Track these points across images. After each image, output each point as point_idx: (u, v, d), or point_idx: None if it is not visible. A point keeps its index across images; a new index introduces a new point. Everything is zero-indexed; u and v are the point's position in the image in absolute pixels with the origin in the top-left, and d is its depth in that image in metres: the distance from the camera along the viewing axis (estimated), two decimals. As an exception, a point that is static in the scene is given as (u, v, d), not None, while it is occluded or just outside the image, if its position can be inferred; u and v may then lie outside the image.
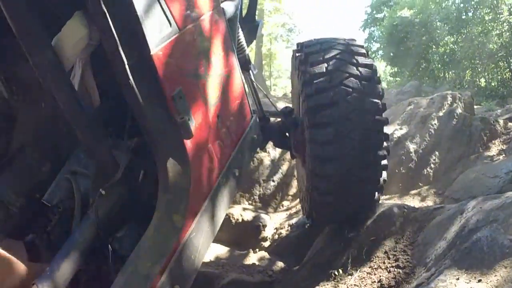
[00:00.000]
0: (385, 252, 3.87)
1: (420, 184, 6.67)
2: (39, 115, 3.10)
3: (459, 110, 7.42)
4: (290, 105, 5.02)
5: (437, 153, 6.92)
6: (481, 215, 3.32)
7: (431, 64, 24.68)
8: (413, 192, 6.51)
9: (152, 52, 2.29)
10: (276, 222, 6.35)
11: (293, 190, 7.43)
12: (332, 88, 3.73)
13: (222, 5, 3.44)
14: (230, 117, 3.32)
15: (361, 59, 3.88)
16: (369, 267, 3.81)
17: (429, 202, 6.04)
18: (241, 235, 6.07)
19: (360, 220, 4.33)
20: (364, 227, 4.19)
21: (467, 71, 22.87)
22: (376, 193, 4.15)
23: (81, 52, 2.52)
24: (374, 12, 33.56)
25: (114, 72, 2.27)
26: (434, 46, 24.73)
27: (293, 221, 6.12)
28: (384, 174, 4.11)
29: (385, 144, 3.88)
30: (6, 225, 2.83)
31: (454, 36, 23.71)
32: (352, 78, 3.76)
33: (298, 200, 6.83)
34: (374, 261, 3.85)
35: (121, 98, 2.40)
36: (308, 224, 5.65)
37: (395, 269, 3.63)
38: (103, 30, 2.18)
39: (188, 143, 2.56)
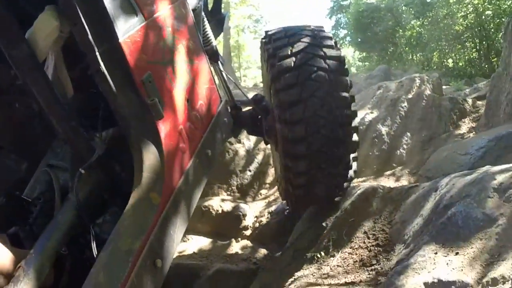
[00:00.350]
0: (365, 232, 3.97)
1: (394, 165, 6.79)
2: (14, 116, 3.22)
3: (427, 92, 7.55)
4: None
5: (408, 134, 7.04)
6: (454, 191, 3.41)
7: (399, 48, 24.96)
8: (387, 173, 6.63)
9: (120, 40, 2.43)
10: (255, 211, 6.41)
11: (269, 178, 7.48)
12: (301, 84, 3.74)
13: None
14: (199, 101, 3.42)
15: (329, 51, 3.89)
16: (350, 248, 3.90)
17: (403, 182, 6.16)
18: (222, 226, 6.12)
19: (336, 202, 4.44)
20: (342, 209, 4.29)
21: (434, 53, 23.12)
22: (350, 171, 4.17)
23: (53, 44, 2.63)
24: (340, -1, 33.76)
25: (85, 62, 2.40)
26: (400, 30, 24.98)
27: (272, 208, 6.19)
28: (354, 165, 4.22)
29: (354, 136, 3.93)
30: None
31: (420, 19, 23.97)
32: (320, 72, 3.76)
33: (275, 188, 6.91)
34: (355, 241, 3.94)
35: (94, 88, 2.55)
36: (287, 211, 5.73)
37: (375, 248, 3.73)
38: (73, 21, 2.32)
39: (160, 124, 2.67)
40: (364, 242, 3.88)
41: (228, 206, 6.32)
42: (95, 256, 2.36)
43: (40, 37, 2.54)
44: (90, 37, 2.31)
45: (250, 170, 7.33)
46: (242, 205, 6.43)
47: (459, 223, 3.05)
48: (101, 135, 2.81)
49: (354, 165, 4.21)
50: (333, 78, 3.77)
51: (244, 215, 6.22)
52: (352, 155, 4.00)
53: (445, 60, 23.32)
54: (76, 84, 2.97)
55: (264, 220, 6.04)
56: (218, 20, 4.92)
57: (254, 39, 39.69)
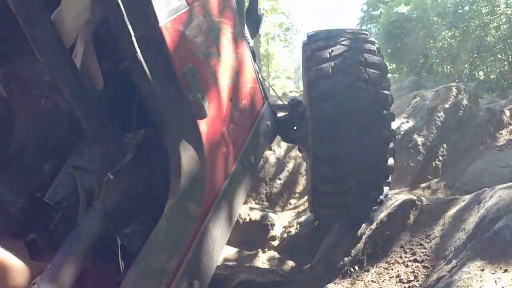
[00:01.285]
0: (401, 246, 3.80)
1: (430, 177, 6.58)
2: (39, 113, 2.90)
3: (464, 102, 7.34)
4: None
5: (444, 145, 6.83)
6: (501, 204, 3.23)
7: (429, 59, 24.66)
8: (423, 185, 6.42)
9: (161, 24, 2.18)
10: (284, 221, 6.26)
11: (299, 187, 7.35)
12: (335, 96, 3.44)
13: None
14: (243, 101, 3.18)
15: (370, 58, 3.57)
16: (386, 262, 3.74)
17: (439, 195, 5.95)
18: (249, 235, 5.97)
19: (370, 215, 4.22)
20: (378, 221, 4.10)
21: (465, 65, 22.84)
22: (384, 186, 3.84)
23: (83, 28, 2.31)
24: (370, 9, 33.58)
25: (119, 50, 2.16)
26: (431, 41, 24.71)
27: (302, 219, 6.02)
28: (386, 190, 3.94)
29: (390, 160, 3.62)
30: (6, 226, 2.63)
31: (452, 30, 23.65)
32: (359, 83, 3.43)
33: (305, 198, 6.76)
34: (391, 255, 3.78)
35: (126, 80, 2.27)
36: (317, 222, 5.56)
37: (413, 263, 3.56)
38: (107, 1, 2.07)
39: (202, 124, 2.42)
40: (401, 257, 3.71)
41: (256, 215, 6.17)
42: (122, 272, 2.19)
43: (68, 18, 2.22)
44: (126, 19, 2.04)
45: (280, 179, 7.21)
46: (271, 214, 6.28)
47: (507, 238, 2.87)
48: (133, 135, 2.50)
49: (386, 189, 3.93)
50: (373, 91, 3.44)
51: (273, 225, 6.07)
52: (385, 180, 3.71)
53: (476, 73, 23.00)
54: (108, 77, 2.61)
55: (293, 230, 5.87)
56: (255, 20, 4.70)
57: (284, 47, 39.66)
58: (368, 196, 3.70)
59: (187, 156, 2.33)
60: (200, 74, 2.42)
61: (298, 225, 5.92)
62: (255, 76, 3.49)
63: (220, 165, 2.69)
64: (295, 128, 4.38)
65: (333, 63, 3.53)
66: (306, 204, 6.51)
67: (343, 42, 3.66)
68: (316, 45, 3.76)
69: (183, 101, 2.30)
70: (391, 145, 3.55)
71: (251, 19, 4.55)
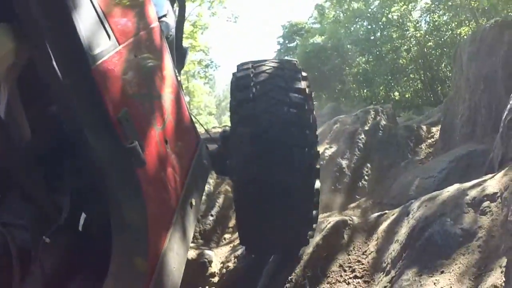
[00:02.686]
0: (340, 266, 3.86)
1: (358, 197, 6.73)
2: None
3: (383, 122, 7.61)
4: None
5: (368, 165, 7.02)
6: (428, 212, 3.36)
7: (346, 85, 25.47)
8: (352, 205, 6.55)
9: (92, 67, 1.95)
10: (221, 256, 6.18)
11: (232, 222, 7.30)
12: (257, 117, 3.39)
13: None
14: (179, 141, 2.99)
15: (294, 84, 3.56)
16: (328, 283, 3.78)
17: (369, 213, 6.09)
18: (188, 275, 5.83)
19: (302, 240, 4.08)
20: (314, 245, 4.14)
21: (381, 87, 23.72)
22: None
23: (7, 73, 2.12)
24: (287, 41, 34.42)
25: (47, 96, 2.04)
26: (347, 68, 25.58)
27: (239, 252, 5.97)
28: (315, 213, 3.77)
29: (316, 183, 3.53)
30: None
31: (365, 56, 24.60)
32: (281, 106, 3.41)
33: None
34: (331, 276, 3.82)
35: (56, 129, 2.16)
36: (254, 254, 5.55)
37: (354, 280, 3.62)
38: (34, 42, 1.86)
39: (140, 173, 2.18)
40: (341, 276, 3.76)
41: (192, 254, 6.07)
42: None
43: None
44: (54, 63, 1.82)
45: (212, 215, 7.15)
46: (207, 251, 6.20)
47: (438, 242, 3.00)
48: (67, 187, 2.27)
49: (315, 213, 3.78)
50: (294, 112, 3.39)
51: (210, 262, 5.98)
52: (312, 203, 3.59)
53: (391, 94, 23.93)
54: (34, 124, 2.41)
55: (231, 265, 5.81)
56: (180, 54, 4.58)
57: (204, 84, 39.77)
58: (296, 221, 3.56)
59: (128, 207, 2.14)
60: (134, 118, 2.22)
61: (235, 259, 5.87)
62: (187, 113, 3.35)
63: (162, 212, 2.52)
64: (227, 160, 4.10)
65: (255, 88, 3.50)
66: (240, 238, 6.51)
67: (267, 70, 3.64)
68: (242, 73, 3.72)
69: (119, 150, 2.07)
70: (316, 166, 3.49)
71: (176, 53, 4.48)
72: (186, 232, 2.78)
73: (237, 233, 6.81)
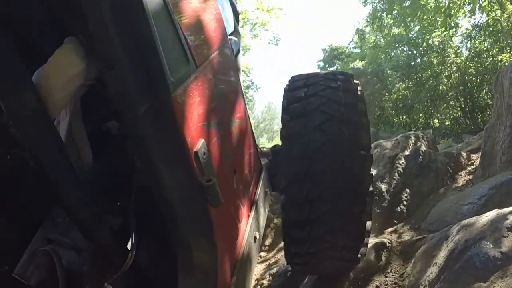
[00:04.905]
0: (377, 287, 3.87)
1: (396, 222, 6.70)
2: (4, 170, 2.34)
3: (423, 148, 7.56)
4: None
5: (408, 190, 6.98)
6: (468, 235, 3.36)
7: (386, 111, 25.35)
8: (389, 230, 6.51)
9: (172, 94, 1.75)
10: (256, 274, 6.23)
11: (269, 240, 7.35)
12: (307, 135, 3.14)
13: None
14: (245, 170, 2.81)
15: (347, 97, 3.30)
16: (364, 304, 3.80)
17: (406, 237, 6.06)
18: (224, 291, 5.92)
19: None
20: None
21: (420, 114, 23.54)
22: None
23: (73, 94, 1.93)
24: (327, 65, 34.42)
25: (114, 120, 1.92)
26: (387, 94, 25.45)
27: (274, 270, 6.02)
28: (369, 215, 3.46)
29: (369, 204, 3.28)
30: None
31: (405, 82, 24.48)
32: (332, 121, 3.14)
33: (275, 250, 6.78)
34: (368, 297, 3.84)
35: (121, 154, 2.04)
36: (289, 272, 5.58)
37: (390, 301, 3.63)
38: (108, 63, 1.61)
39: (212, 210, 2.00)
40: (377, 298, 3.78)
41: (229, 271, 6.14)
42: None
43: (56, 83, 1.81)
44: (131, 88, 1.63)
45: (249, 233, 7.19)
46: (243, 269, 6.26)
47: (477, 265, 3.00)
48: (132, 224, 2.09)
49: (366, 240, 3.61)
50: (348, 131, 3.14)
51: (246, 280, 6.04)
52: (366, 225, 3.38)
53: (431, 121, 23.72)
54: (96, 148, 2.26)
55: (266, 283, 5.86)
56: None
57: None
58: (347, 244, 3.33)
59: (198, 249, 1.99)
60: (211, 151, 2.04)
61: (270, 277, 5.93)
62: (252, 138, 3.17)
63: (230, 251, 2.34)
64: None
65: (306, 101, 3.28)
66: (277, 256, 6.53)
67: (320, 82, 3.39)
68: (293, 85, 3.52)
69: (195, 187, 1.88)
70: (370, 188, 3.28)
71: None
72: (250, 268, 2.65)
73: (272, 251, 6.89)
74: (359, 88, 3.46)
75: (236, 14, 4.20)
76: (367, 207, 3.21)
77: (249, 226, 2.71)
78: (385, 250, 4.22)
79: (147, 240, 2.29)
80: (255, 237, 2.81)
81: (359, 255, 3.52)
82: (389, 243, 4.32)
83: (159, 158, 1.74)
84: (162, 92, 1.72)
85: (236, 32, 3.80)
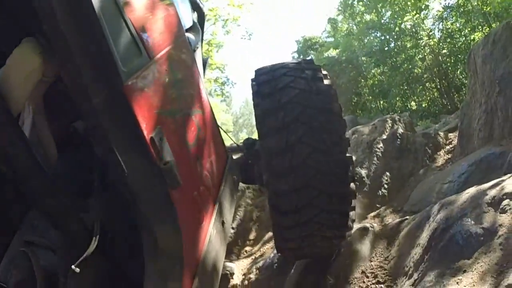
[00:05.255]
0: (363, 272, 3.87)
1: (378, 206, 6.70)
2: None
3: (400, 130, 7.57)
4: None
5: (387, 173, 6.99)
6: (449, 214, 3.35)
7: (363, 97, 25.41)
8: (372, 214, 6.51)
9: (124, 84, 1.85)
10: (242, 268, 6.20)
11: (253, 234, 7.32)
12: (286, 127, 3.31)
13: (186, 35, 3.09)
14: (209, 157, 2.88)
15: (319, 84, 3.50)
16: (350, 289, 3.78)
17: (390, 220, 6.06)
18: None
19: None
20: (336, 252, 4.16)
21: (397, 98, 23.62)
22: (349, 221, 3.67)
23: (33, 91, 2.01)
24: (301, 56, 34.45)
25: (72, 112, 1.95)
26: (363, 80, 25.50)
27: (260, 264, 5.99)
28: (352, 214, 3.69)
29: (351, 186, 3.47)
30: None
31: (380, 67, 24.54)
32: (309, 110, 3.33)
33: (260, 244, 6.75)
34: (354, 283, 3.84)
35: (84, 147, 2.05)
36: (276, 264, 5.55)
37: (376, 285, 3.63)
38: (63, 59, 1.71)
39: (174, 193, 2.06)
40: (363, 282, 3.78)
41: (214, 267, 6.10)
42: None
43: (15, 81, 1.92)
44: (85, 80, 1.71)
45: (232, 228, 7.16)
46: (228, 263, 6.22)
47: (460, 243, 3.00)
48: (96, 210, 2.16)
49: (352, 214, 3.71)
50: (324, 118, 3.34)
51: (232, 274, 6.00)
52: (349, 205, 3.54)
53: (408, 104, 23.84)
54: (60, 143, 2.32)
55: (253, 276, 5.83)
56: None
57: (222, 102, 39.84)
58: (333, 224, 3.52)
59: (162, 231, 2.03)
60: (168, 136, 2.10)
61: (257, 271, 5.90)
62: (217, 127, 3.27)
63: (196, 234, 2.41)
64: (251, 168, 4.11)
65: (279, 95, 3.42)
66: (262, 250, 6.52)
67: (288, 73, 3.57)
68: (260, 79, 3.67)
69: (153, 171, 1.97)
70: (350, 169, 3.43)
71: None
72: (218, 253, 2.71)
73: (257, 245, 6.86)
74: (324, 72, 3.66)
75: (200, 13, 4.38)
76: (350, 186, 3.43)
77: (216, 211, 2.78)
78: (368, 235, 4.19)
79: (122, 232, 2.32)
80: (223, 222, 2.88)
81: (346, 232, 3.71)
82: (371, 227, 4.29)
83: (117, 145, 1.81)
84: (114, 81, 1.82)
85: (194, 28, 3.87)
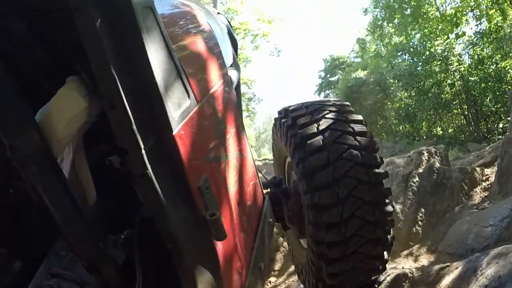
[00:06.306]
0: (401, 323, 3.65)
1: (411, 244, 6.49)
2: (6, 203, 2.38)
3: (437, 164, 7.36)
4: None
5: (422, 210, 6.78)
6: (501, 270, 3.15)
7: (388, 120, 25.23)
8: (404, 252, 6.31)
9: (174, 132, 1.77)
10: (267, 301, 6.04)
11: (278, 265, 7.15)
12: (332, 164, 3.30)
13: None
14: (248, 202, 2.80)
15: (350, 116, 3.58)
16: None
17: (423, 261, 5.84)
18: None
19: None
20: (372, 298, 3.96)
21: (423, 123, 23.40)
22: (386, 253, 3.65)
23: (77, 133, 1.94)
24: (328, 75, 34.48)
25: (118, 158, 1.88)
26: (389, 103, 25.35)
27: (285, 296, 5.84)
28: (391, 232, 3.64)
29: (389, 215, 3.45)
30: None
31: (408, 91, 24.36)
32: (351, 151, 3.34)
33: (285, 275, 6.57)
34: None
35: (124, 188, 1.97)
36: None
37: None
38: (109, 102, 1.60)
39: (218, 244, 2.00)
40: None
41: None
42: None
43: (59, 123, 1.82)
44: (134, 127, 1.60)
45: (258, 257, 7.00)
46: (253, 295, 6.04)
47: (514, 306, 2.78)
48: (136, 259, 2.08)
49: (391, 231, 3.65)
50: (365, 155, 3.34)
51: (256, 307, 5.82)
52: (389, 236, 3.53)
53: (434, 129, 23.61)
54: (98, 184, 2.20)
55: (277, 309, 5.67)
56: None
57: (246, 117, 39.86)
58: (376, 254, 3.49)
59: (203, 283, 1.92)
60: (213, 185, 2.04)
61: (282, 304, 5.73)
62: (255, 170, 3.20)
63: (236, 283, 2.31)
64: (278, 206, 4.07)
65: (322, 136, 3.42)
66: (287, 282, 6.36)
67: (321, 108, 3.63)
68: (295, 113, 3.70)
69: (199, 222, 1.90)
70: (388, 202, 3.44)
71: None
72: None
73: (282, 276, 6.68)
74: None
75: (235, 45, 4.24)
76: (389, 218, 3.41)
77: (254, 257, 2.70)
78: (407, 281, 3.98)
79: (153, 274, 2.24)
80: (260, 268, 2.79)
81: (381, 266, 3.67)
82: (410, 273, 4.07)
83: (163, 194, 1.69)
84: (164, 129, 1.75)
85: (235, 65, 3.75)
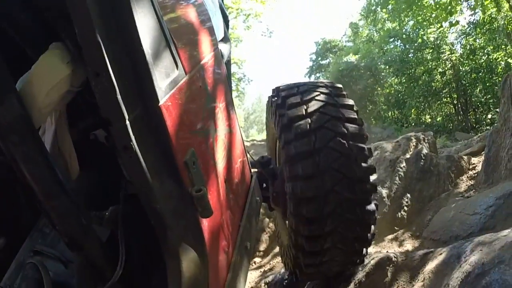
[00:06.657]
0: (384, 306, 3.67)
1: (396, 228, 6.51)
2: None
3: (425, 151, 7.38)
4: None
5: (408, 195, 6.80)
6: (485, 258, 3.14)
7: (378, 106, 25.29)
8: (389, 237, 6.33)
9: (161, 102, 1.71)
10: (251, 281, 6.03)
11: (263, 245, 7.16)
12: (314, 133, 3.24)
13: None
14: (235, 179, 2.75)
15: (341, 100, 3.48)
16: (370, 324, 3.60)
17: (408, 246, 5.87)
18: (217, 299, 5.71)
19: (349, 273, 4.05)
20: (356, 281, 3.96)
21: (412, 110, 23.47)
22: (364, 249, 3.67)
23: (59, 102, 1.84)
24: (319, 58, 34.41)
25: (101, 129, 1.84)
26: (379, 88, 25.39)
27: (269, 278, 5.80)
28: (372, 227, 3.61)
29: (373, 196, 3.39)
30: None
31: (399, 77, 24.39)
32: (334, 121, 3.27)
33: (270, 256, 6.58)
34: (373, 316, 3.64)
35: (108, 163, 1.95)
36: (286, 281, 5.36)
37: (398, 323, 3.43)
38: (95, 70, 1.53)
39: (203, 221, 1.97)
40: (383, 317, 3.57)
41: (222, 278, 5.93)
42: None
43: (40, 91, 1.73)
44: (119, 96, 1.54)
45: (244, 237, 7.01)
46: (238, 276, 6.04)
47: (497, 293, 2.79)
48: (121, 235, 2.00)
49: (372, 227, 3.63)
50: (353, 146, 3.26)
51: (240, 287, 5.82)
52: (369, 234, 3.51)
53: (422, 117, 23.71)
54: (81, 156, 2.14)
55: (262, 291, 5.66)
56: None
57: (236, 97, 39.75)
58: (357, 235, 3.42)
59: (188, 260, 1.89)
60: (201, 159, 1.99)
61: (266, 286, 5.72)
62: (243, 147, 3.13)
63: (221, 261, 2.30)
64: (264, 187, 4.12)
65: (309, 119, 3.31)
66: (272, 263, 6.37)
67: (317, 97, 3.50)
68: (285, 93, 3.62)
69: (184, 198, 1.85)
70: (373, 196, 3.37)
71: None
72: (242, 279, 2.59)
73: (267, 257, 6.69)
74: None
75: (226, 21, 4.20)
76: (371, 216, 3.38)
77: (240, 236, 2.68)
78: (391, 265, 3.98)
79: (137, 250, 2.21)
80: (246, 247, 2.78)
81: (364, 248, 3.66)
82: (395, 257, 4.08)
83: (147, 168, 1.65)
84: (150, 99, 1.69)
85: (226, 39, 3.72)
